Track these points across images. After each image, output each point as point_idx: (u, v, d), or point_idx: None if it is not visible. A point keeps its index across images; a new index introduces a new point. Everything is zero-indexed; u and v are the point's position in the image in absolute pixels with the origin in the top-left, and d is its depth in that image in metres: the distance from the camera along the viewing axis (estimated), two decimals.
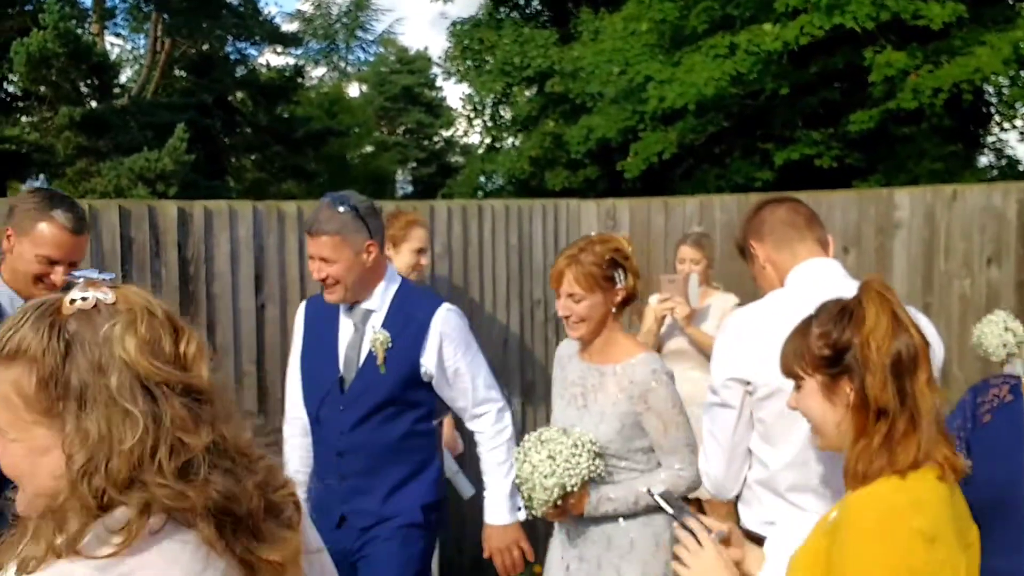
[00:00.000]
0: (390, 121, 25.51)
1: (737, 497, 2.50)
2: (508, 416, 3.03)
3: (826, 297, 2.36)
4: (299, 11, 28.00)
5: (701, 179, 12.56)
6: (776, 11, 10.12)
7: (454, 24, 16.75)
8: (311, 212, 2.79)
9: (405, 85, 24.71)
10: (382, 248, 2.88)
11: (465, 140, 24.65)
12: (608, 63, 12.31)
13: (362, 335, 2.86)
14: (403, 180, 26.31)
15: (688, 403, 4.35)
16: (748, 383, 2.34)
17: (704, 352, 4.36)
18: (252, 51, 19.28)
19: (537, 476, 2.53)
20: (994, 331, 3.94)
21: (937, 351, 2.22)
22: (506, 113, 16.60)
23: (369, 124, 24.39)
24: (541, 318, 4.92)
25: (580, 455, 2.54)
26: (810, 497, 2.31)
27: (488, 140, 17.40)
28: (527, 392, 4.85)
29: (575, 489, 2.55)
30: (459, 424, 3.94)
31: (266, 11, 18.35)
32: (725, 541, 1.88)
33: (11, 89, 15.63)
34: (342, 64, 29.01)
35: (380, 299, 2.87)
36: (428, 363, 2.86)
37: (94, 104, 14.85)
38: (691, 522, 1.84)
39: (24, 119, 15.28)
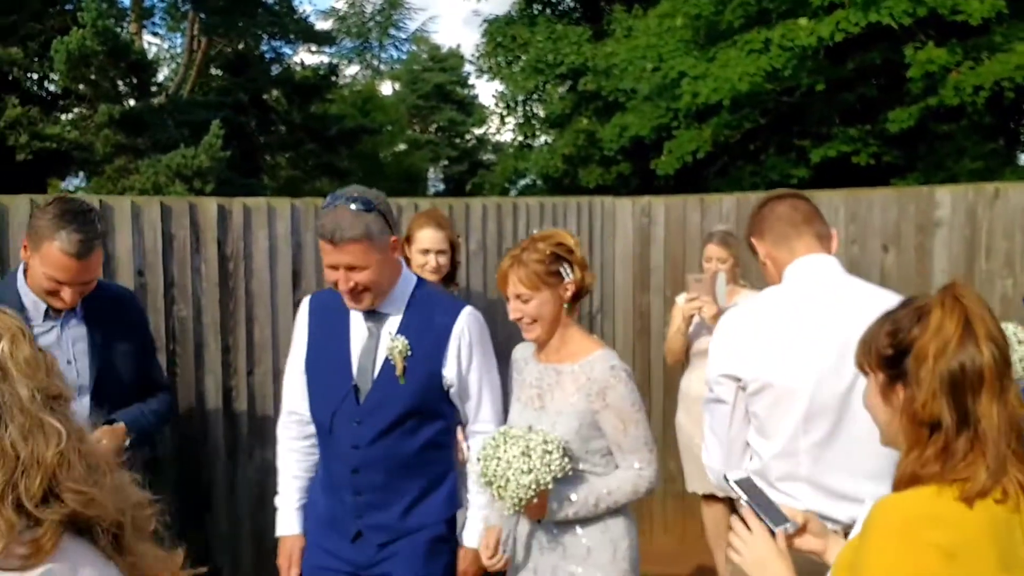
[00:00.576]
0: (422, 119, 25.61)
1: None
2: None
3: (820, 293, 2.43)
4: (333, 9, 28.22)
5: (736, 176, 12.47)
6: (812, 6, 10.02)
7: (487, 21, 16.78)
8: (327, 218, 2.45)
9: (437, 83, 24.79)
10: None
11: (497, 138, 24.69)
12: (642, 59, 12.25)
13: (377, 341, 2.61)
14: (435, 178, 26.40)
15: None
16: (739, 379, 2.44)
17: None
18: (287, 50, 19.43)
19: (513, 472, 2.40)
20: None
21: None
22: (539, 110, 16.59)
23: (401, 122, 24.50)
24: (574, 316, 4.92)
25: (552, 452, 2.44)
26: (800, 486, 2.39)
27: (520, 138, 17.40)
28: None
29: (548, 487, 2.45)
30: None
31: (301, 9, 18.49)
32: (800, 531, 1.87)
33: (51, 88, 15.87)
34: (375, 62, 29.17)
35: (396, 301, 2.62)
36: (449, 373, 2.64)
37: (132, 102, 15.05)
38: (748, 513, 1.83)
39: (64, 117, 15.51)
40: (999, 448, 1.54)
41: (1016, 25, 10.08)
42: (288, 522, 2.76)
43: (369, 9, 28.45)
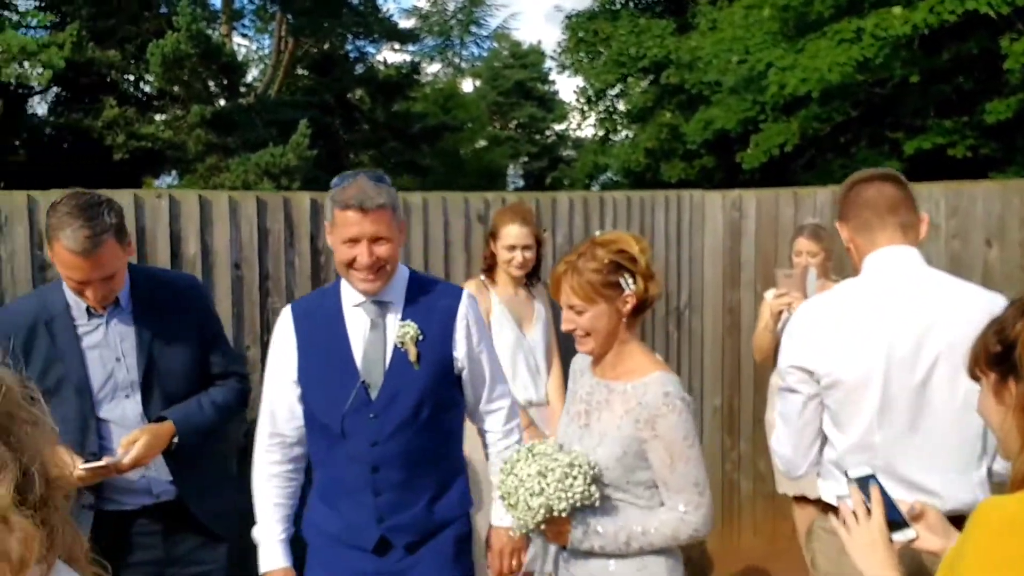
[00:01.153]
0: (502, 116, 25.69)
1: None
2: (518, 415, 2.74)
3: (897, 287, 2.36)
4: (416, 7, 28.49)
5: (825, 170, 12.17)
6: None
7: (569, 17, 16.73)
8: (349, 190, 2.36)
9: (518, 80, 24.84)
10: None
11: (577, 134, 24.60)
12: (727, 52, 12.06)
13: (383, 331, 2.48)
14: (514, 174, 26.46)
15: None
16: (812, 372, 2.39)
17: None
18: (371, 49, 19.73)
19: (523, 492, 2.24)
20: None
21: None
22: (620, 105, 16.48)
23: (482, 119, 24.62)
24: (661, 312, 4.85)
25: (576, 477, 2.23)
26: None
27: (602, 132, 17.31)
28: None
29: (563, 514, 2.25)
30: None
31: (384, 9, 18.75)
32: (917, 517, 1.82)
33: (146, 89, 16.42)
34: (456, 60, 29.38)
35: (396, 289, 2.51)
36: (460, 354, 2.54)
37: (223, 103, 15.48)
38: (877, 504, 1.77)
39: (158, 118, 16.03)
40: None
41: None
42: (273, 555, 2.54)
43: (451, 7, 28.70)
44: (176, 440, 2.60)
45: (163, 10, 15.47)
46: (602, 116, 16.98)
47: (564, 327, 2.42)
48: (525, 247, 3.68)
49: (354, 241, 2.37)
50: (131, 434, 2.52)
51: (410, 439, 2.46)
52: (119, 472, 2.48)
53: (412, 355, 2.46)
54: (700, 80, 12.87)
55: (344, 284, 2.52)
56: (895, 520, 1.78)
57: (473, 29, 29.00)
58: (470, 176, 21.29)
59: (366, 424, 2.44)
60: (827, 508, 2.50)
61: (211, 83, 15.10)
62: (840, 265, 4.60)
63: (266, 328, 3.64)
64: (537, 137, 25.53)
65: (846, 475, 1.89)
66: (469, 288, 3.77)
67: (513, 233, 3.68)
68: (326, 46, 18.15)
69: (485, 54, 28.40)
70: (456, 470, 2.61)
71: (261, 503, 2.57)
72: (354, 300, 2.50)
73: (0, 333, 2.54)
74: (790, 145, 11.64)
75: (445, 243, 4.07)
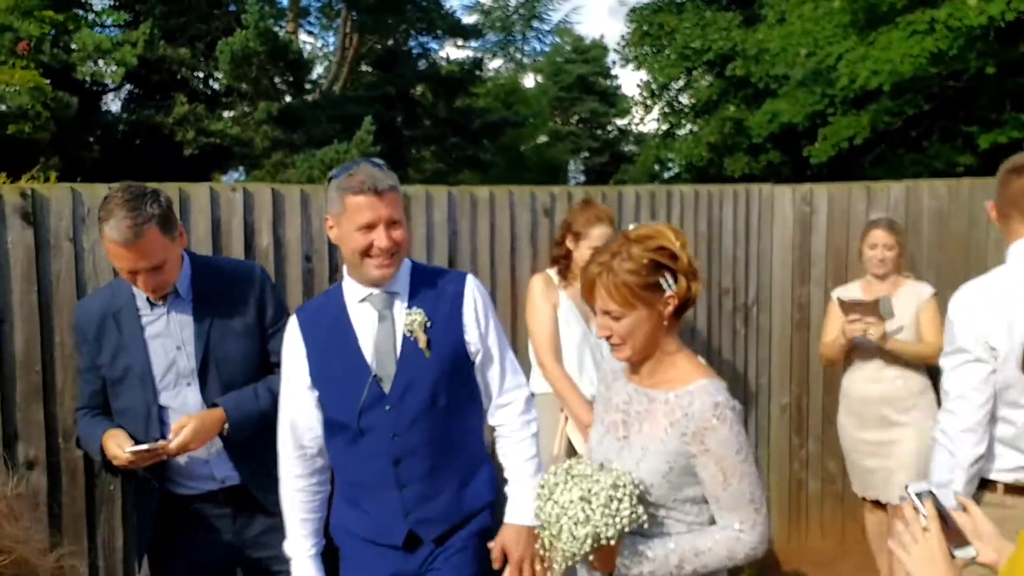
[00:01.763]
0: (564, 111, 25.63)
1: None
2: (534, 406, 2.63)
3: None
4: (478, 3, 28.55)
5: (895, 164, 11.89)
6: None
7: (633, 10, 16.61)
8: (357, 175, 2.32)
9: (580, 74, 24.77)
10: None
11: (639, 128, 24.43)
12: (796, 45, 11.85)
13: (392, 322, 2.43)
14: (575, 169, 26.39)
15: (881, 403, 4.16)
16: (993, 347, 2.54)
17: (915, 361, 4.09)
18: (433, 45, 19.84)
19: (566, 521, 2.02)
20: None
21: None
22: (684, 99, 16.31)
23: (544, 114, 24.59)
24: (729, 307, 4.79)
25: (621, 499, 2.02)
26: None
27: (665, 127, 17.16)
28: None
29: (611, 542, 2.03)
30: None
31: (447, 5, 18.82)
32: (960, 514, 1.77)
33: (215, 86, 16.75)
34: (518, 55, 29.40)
35: (401, 279, 2.46)
36: (472, 337, 2.48)
37: (289, 99, 15.72)
38: (932, 521, 1.72)
39: (226, 114, 16.34)
40: None
41: None
42: (305, 571, 2.52)
43: (513, 2, 28.70)
44: (227, 427, 2.64)
45: (232, 8, 15.76)
46: (665, 110, 16.82)
47: (600, 334, 2.23)
48: None
49: (370, 227, 2.32)
50: (181, 419, 2.59)
51: (430, 428, 2.42)
52: (168, 456, 2.56)
53: (422, 342, 2.40)
54: (767, 73, 12.67)
55: (346, 282, 2.47)
56: (957, 540, 1.72)
57: (535, 24, 29.00)
58: (531, 171, 21.30)
59: (383, 417, 2.40)
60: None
61: (278, 80, 15.35)
62: (927, 263, 4.51)
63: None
64: (598, 132, 25.42)
65: (905, 489, 1.84)
66: (536, 283, 3.78)
67: (600, 235, 3.64)
68: (390, 42, 18.32)
69: (547, 49, 28.40)
70: (481, 457, 2.55)
71: (289, 518, 2.54)
72: (359, 295, 2.44)
73: (79, 325, 2.70)
74: (860, 139, 11.39)
75: (511, 237, 4.07)
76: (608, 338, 2.19)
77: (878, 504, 4.26)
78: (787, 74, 12.43)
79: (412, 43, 19.09)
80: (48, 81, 12.55)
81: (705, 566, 2.12)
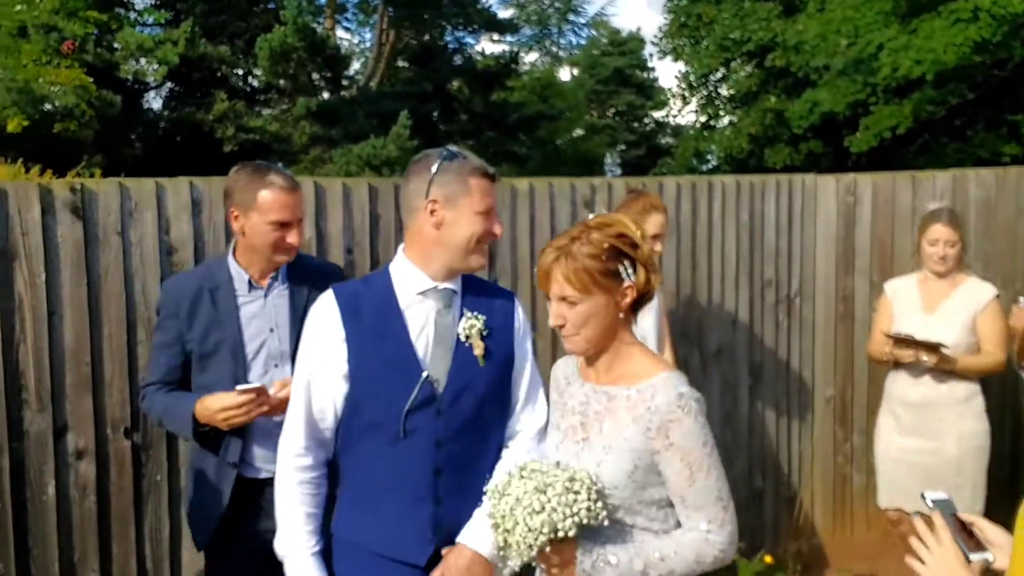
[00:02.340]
0: (600, 104, 25.52)
1: None
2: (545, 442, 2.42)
3: None
4: None
5: (938, 154, 11.70)
6: None
7: (671, 1, 16.48)
8: (473, 159, 2.27)
9: (616, 67, 24.62)
10: None
11: (677, 121, 24.26)
12: (836, 34, 11.69)
13: (452, 320, 2.31)
14: (611, 163, 26.27)
15: (922, 408, 3.94)
16: None
17: (976, 376, 3.91)
18: (469, 39, 19.83)
19: (520, 512, 1.93)
20: None
21: None
22: (723, 90, 16.16)
23: (580, 107, 24.51)
24: (772, 299, 4.73)
25: (579, 492, 1.95)
26: None
27: (703, 119, 17.02)
28: (755, 375, 4.69)
29: (568, 534, 1.94)
30: None
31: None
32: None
33: (254, 83, 16.91)
34: (554, 49, 29.32)
35: (457, 280, 2.35)
36: (519, 355, 2.40)
37: (326, 95, 15.83)
38: (942, 530, 1.69)
39: (265, 111, 16.49)
40: None
41: None
42: (306, 570, 2.29)
43: None
44: None
45: (271, 5, 15.89)
46: (703, 102, 16.69)
47: (553, 322, 2.12)
48: (661, 237, 3.63)
49: (489, 213, 2.26)
50: (285, 378, 2.65)
51: (472, 441, 2.30)
52: (268, 408, 2.60)
53: (479, 349, 2.29)
54: (807, 63, 12.51)
55: (400, 271, 2.31)
56: (971, 546, 1.70)
57: (571, 17, 28.90)
58: (567, 165, 21.23)
59: (431, 421, 2.26)
60: None
61: (315, 76, 15.45)
62: (974, 253, 4.40)
63: None
64: (635, 125, 25.27)
65: (922, 497, 1.82)
66: None
67: (658, 222, 3.61)
68: (426, 38, 18.34)
69: (583, 42, 28.28)
70: None
71: (290, 513, 2.32)
72: (418, 286, 2.29)
73: (169, 299, 2.78)
74: (902, 128, 11.22)
75: (551, 229, 4.06)
76: (561, 328, 2.10)
77: (903, 512, 4.08)
78: (828, 64, 12.26)
79: (448, 38, 19.10)
80: (92, 80, 12.76)
81: (671, 571, 2.02)
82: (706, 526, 2.02)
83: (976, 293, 3.96)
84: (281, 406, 2.56)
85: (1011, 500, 2.20)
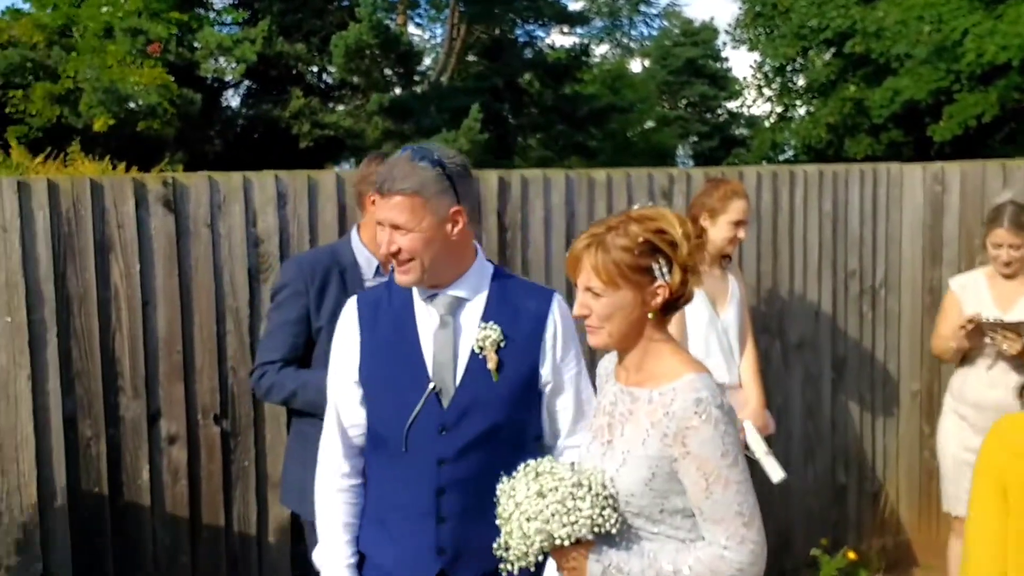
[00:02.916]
0: (672, 95, 25.27)
1: None
2: None
3: None
4: None
5: None
6: None
7: None
8: (386, 167, 2.13)
9: (688, 58, 24.35)
10: (473, 216, 2.22)
11: (751, 111, 23.87)
12: (918, 20, 11.36)
13: (455, 331, 2.17)
14: (683, 154, 26.01)
15: (996, 412, 3.82)
16: None
17: None
18: (540, 33, 19.83)
19: (518, 516, 1.86)
20: None
21: None
22: (799, 79, 15.84)
23: (651, 99, 24.31)
24: (856, 290, 4.63)
25: (583, 499, 1.85)
26: None
27: (779, 109, 16.71)
28: (838, 368, 4.59)
29: (564, 543, 1.86)
30: (768, 402, 3.80)
31: None
32: None
33: (328, 80, 17.20)
34: (625, 40, 29.13)
35: (474, 284, 2.19)
36: (546, 369, 2.20)
37: (398, 91, 16.01)
38: None
39: (339, 107, 16.75)
40: None
41: None
42: None
43: None
44: None
45: (345, 3, 16.12)
46: (779, 92, 16.38)
47: (576, 311, 2.01)
48: (744, 223, 3.59)
49: (381, 225, 2.17)
50: None
51: (483, 459, 2.13)
52: None
53: (492, 363, 2.13)
54: (888, 50, 12.19)
55: None
56: None
57: (642, 8, 28.64)
58: (639, 157, 21.08)
59: (433, 439, 2.13)
60: None
61: (388, 72, 15.64)
62: None
63: None
64: (708, 116, 24.96)
65: None
66: None
67: (741, 208, 3.55)
68: (496, 32, 18.41)
69: (654, 33, 28.01)
70: None
71: (329, 522, 2.25)
72: (426, 291, 2.18)
73: (295, 277, 2.82)
74: (988, 116, 10.88)
75: None
76: (585, 317, 2.00)
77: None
78: (909, 51, 11.93)
79: (518, 32, 19.14)
80: (173, 79, 13.14)
81: None
82: (724, 542, 1.89)
83: None
84: None
85: None
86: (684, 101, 25.13)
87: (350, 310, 2.26)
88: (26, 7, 15.21)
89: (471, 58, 19.21)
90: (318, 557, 2.28)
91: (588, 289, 1.96)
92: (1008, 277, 3.88)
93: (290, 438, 2.99)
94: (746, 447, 3.57)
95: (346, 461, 2.25)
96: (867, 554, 4.55)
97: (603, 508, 1.87)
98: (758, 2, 15.40)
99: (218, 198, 3.26)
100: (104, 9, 13.91)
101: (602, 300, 1.94)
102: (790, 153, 17.27)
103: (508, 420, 2.16)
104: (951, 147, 11.66)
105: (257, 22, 14.58)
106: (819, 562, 4.19)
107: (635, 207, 2.00)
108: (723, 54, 25.31)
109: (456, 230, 2.12)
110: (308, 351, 2.81)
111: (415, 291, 2.19)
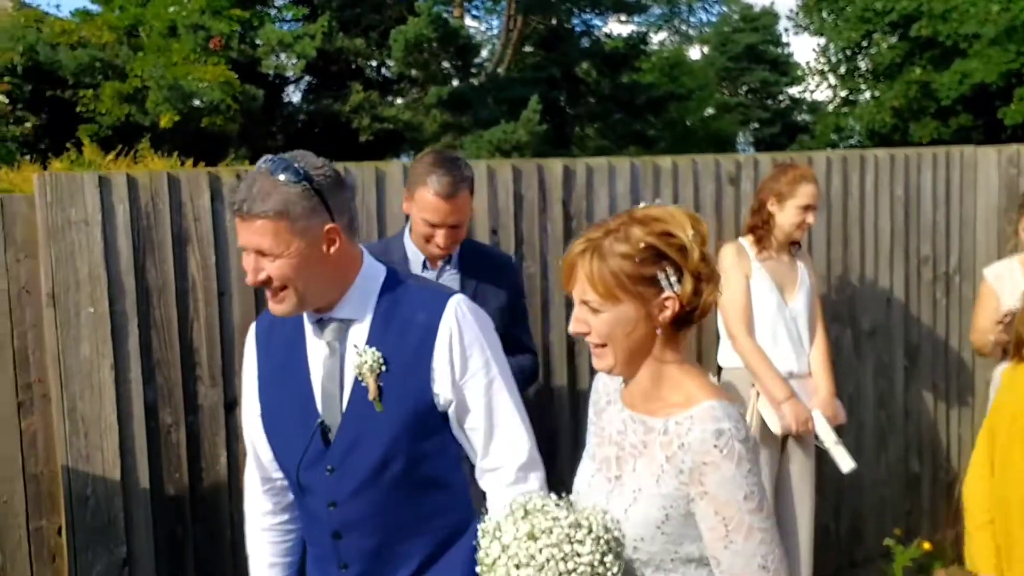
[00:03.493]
0: (732, 82, 24.93)
1: None
2: (536, 479, 1.99)
3: None
4: None
5: None
6: None
7: None
8: (244, 184, 1.85)
9: (749, 43, 23.97)
10: (350, 229, 1.93)
11: (813, 97, 23.43)
12: (987, 0, 11.04)
13: (342, 358, 1.93)
14: (744, 142, 25.65)
15: None
16: None
17: None
18: (597, 22, 19.75)
19: (505, 563, 1.61)
20: None
21: None
22: (863, 64, 15.50)
23: (710, 86, 24.01)
24: (929, 276, 4.53)
25: (582, 542, 1.60)
26: None
27: (843, 94, 16.38)
28: (911, 355, 4.50)
29: None
30: (839, 391, 3.74)
31: None
32: None
33: (387, 73, 17.33)
34: (683, 27, 28.81)
35: (358, 303, 1.94)
36: (443, 388, 1.92)
37: (456, 83, 16.07)
38: None
39: (398, 101, 16.88)
40: None
41: None
42: None
43: None
44: None
45: None
46: (843, 76, 16.06)
47: (573, 328, 1.74)
48: (813, 208, 3.54)
49: (245, 250, 1.89)
50: None
51: (379, 499, 1.91)
52: None
53: (372, 392, 1.88)
54: (955, 31, 11.86)
55: None
56: None
57: None
58: (698, 145, 20.85)
59: (322, 479, 1.92)
60: None
61: (446, 65, 15.71)
62: None
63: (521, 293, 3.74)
64: (769, 102, 24.56)
65: None
66: (727, 251, 3.69)
67: (809, 193, 3.51)
68: (553, 22, 18.35)
69: (713, 19, 27.64)
70: (456, 527, 1.98)
71: (255, 563, 2.12)
72: (311, 316, 1.95)
73: None
74: None
75: (695, 206, 4.00)
76: (584, 335, 1.72)
77: None
78: (978, 32, 11.59)
79: (575, 21, 19.06)
80: (236, 76, 13.37)
81: None
82: None
83: None
84: None
85: None
86: (744, 88, 24.77)
87: (251, 335, 2.06)
88: (95, 8, 15.62)
89: (528, 49, 19.19)
90: None
91: (584, 303, 1.70)
92: None
93: None
94: (816, 437, 3.53)
95: (267, 498, 2.09)
96: (941, 544, 4.47)
97: (605, 553, 1.61)
98: None
99: None
100: (170, 8, 14.21)
101: (601, 315, 1.68)
102: (854, 139, 16.90)
103: (403, 451, 1.90)
104: (1023, 131, 11.31)
105: (317, 18, 14.75)
106: (892, 552, 4.12)
107: (641, 205, 1.74)
108: (784, 39, 24.88)
109: (334, 249, 1.87)
110: None
111: (306, 312, 1.94)
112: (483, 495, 2.02)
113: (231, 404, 3.28)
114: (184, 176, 3.11)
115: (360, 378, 1.90)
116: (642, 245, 1.64)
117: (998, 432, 2.68)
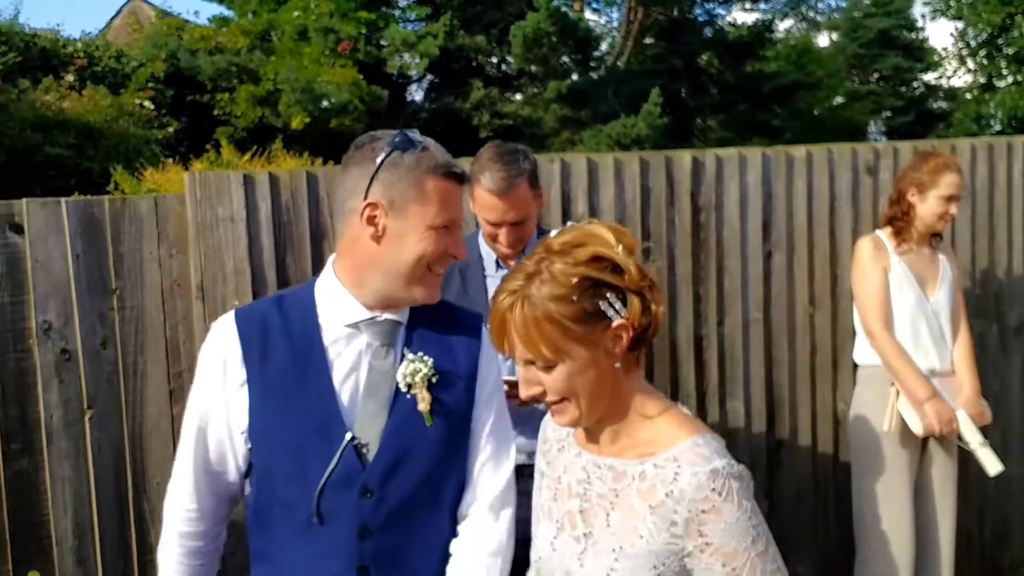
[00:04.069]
0: (862, 69, 23.97)
1: None
2: (506, 518, 1.79)
3: None
4: None
5: None
6: None
7: None
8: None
9: (881, 29, 22.98)
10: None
11: (951, 83, 22.29)
12: None
13: (392, 364, 1.72)
14: (875, 131, 24.64)
15: None
16: None
17: None
18: (720, 11, 19.34)
19: None
20: None
21: None
22: (1005, 48, 14.66)
23: (840, 74, 23.17)
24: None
25: None
26: None
27: (983, 79, 15.55)
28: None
29: None
30: (984, 390, 3.56)
31: None
32: None
33: (506, 69, 17.47)
34: (811, 13, 27.90)
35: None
36: (480, 403, 1.79)
37: (575, 77, 16.05)
38: None
39: (518, 96, 17.00)
40: None
41: None
42: None
43: None
44: None
45: None
46: (983, 61, 15.23)
47: (523, 392, 1.52)
48: (956, 199, 3.38)
49: (450, 228, 1.72)
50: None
51: (415, 528, 1.71)
52: (517, 402, 2.60)
53: (424, 403, 1.68)
54: None
55: (323, 292, 1.76)
56: None
57: None
58: (827, 135, 20.16)
59: (354, 504, 1.67)
60: None
61: (565, 59, 15.71)
62: None
63: None
64: (902, 90, 23.49)
65: None
66: (865, 245, 3.56)
67: (953, 182, 3.36)
68: (674, 12, 18.09)
69: (843, 5, 26.64)
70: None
71: None
72: (349, 316, 1.72)
73: None
74: None
75: (830, 197, 3.88)
76: (539, 397, 1.51)
77: None
78: None
79: (697, 11, 18.74)
80: (363, 76, 13.74)
81: None
82: None
83: None
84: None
85: None
86: (876, 75, 23.76)
87: (228, 336, 1.73)
88: (230, 14, 16.33)
89: (648, 40, 18.98)
90: None
91: (530, 363, 1.49)
92: None
93: None
94: (959, 438, 3.37)
95: (199, 520, 1.81)
96: None
97: None
98: None
99: None
100: (298, 13, 14.72)
101: (553, 372, 1.47)
102: (996, 127, 16.02)
103: (440, 474, 1.74)
104: None
105: (439, 17, 15.01)
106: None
107: (552, 233, 1.52)
108: (919, 24, 23.75)
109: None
110: None
111: (323, 310, 1.74)
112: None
113: None
114: (322, 173, 3.22)
115: (407, 388, 1.69)
116: (574, 280, 1.44)
117: None
